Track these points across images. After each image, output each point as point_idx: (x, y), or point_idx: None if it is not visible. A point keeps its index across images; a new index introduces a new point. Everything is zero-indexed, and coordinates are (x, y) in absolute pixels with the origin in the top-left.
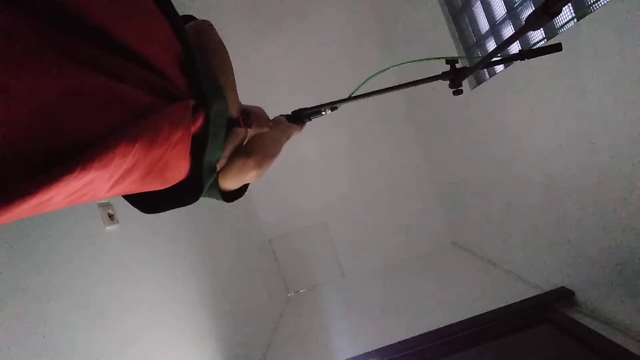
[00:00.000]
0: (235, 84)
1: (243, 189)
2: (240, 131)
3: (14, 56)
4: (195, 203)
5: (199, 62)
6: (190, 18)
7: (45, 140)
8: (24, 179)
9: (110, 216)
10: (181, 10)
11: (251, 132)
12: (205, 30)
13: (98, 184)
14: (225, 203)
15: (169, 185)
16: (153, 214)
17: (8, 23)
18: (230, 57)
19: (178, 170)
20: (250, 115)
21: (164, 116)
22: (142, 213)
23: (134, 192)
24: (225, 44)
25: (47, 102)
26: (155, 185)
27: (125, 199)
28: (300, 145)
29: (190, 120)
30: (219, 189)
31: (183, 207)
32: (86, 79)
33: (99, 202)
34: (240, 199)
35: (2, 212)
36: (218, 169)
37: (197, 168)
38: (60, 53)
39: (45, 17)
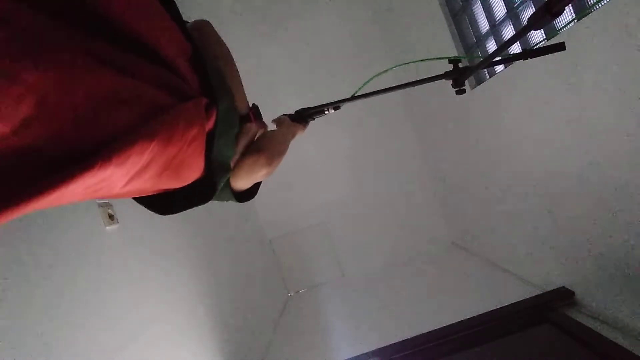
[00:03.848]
0: (240, 80)
1: (255, 189)
2: (252, 126)
3: (43, 57)
4: None
5: (208, 60)
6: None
7: (68, 138)
8: (46, 175)
9: (110, 216)
10: (183, 12)
11: (255, 130)
12: (204, 29)
13: (115, 180)
14: (226, 203)
15: (185, 184)
16: (152, 215)
17: (30, 19)
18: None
19: (193, 169)
20: (259, 110)
21: (179, 114)
22: (143, 213)
23: (149, 191)
24: (227, 45)
25: (74, 104)
26: (170, 183)
27: (139, 202)
28: (300, 145)
29: (204, 118)
30: (231, 189)
31: None
32: (109, 79)
33: (98, 202)
34: None
35: (28, 204)
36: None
37: (209, 165)
38: (85, 52)
39: (65, 13)
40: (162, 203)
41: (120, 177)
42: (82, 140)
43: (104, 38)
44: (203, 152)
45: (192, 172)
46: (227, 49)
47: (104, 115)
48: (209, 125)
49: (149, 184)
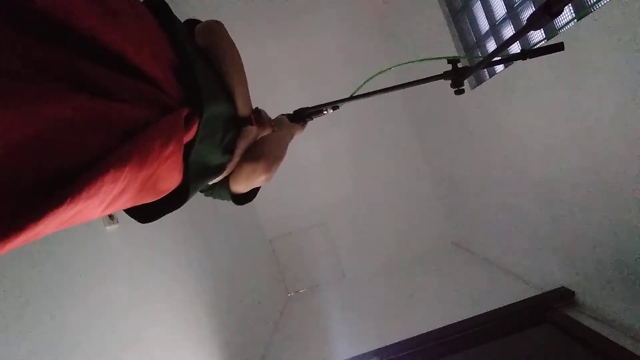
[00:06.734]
0: (246, 83)
1: (254, 192)
2: (252, 129)
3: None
4: (196, 203)
5: (195, 67)
6: (196, 22)
7: (31, 172)
8: (11, 216)
9: (110, 216)
10: (183, 11)
11: (255, 133)
12: (215, 30)
13: (89, 210)
14: (227, 203)
15: (162, 196)
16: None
17: None
18: None
19: (170, 181)
20: (262, 114)
21: (154, 134)
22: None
23: (128, 207)
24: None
25: (32, 133)
26: (149, 198)
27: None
28: (300, 145)
29: (183, 131)
30: (230, 192)
31: (183, 208)
32: (74, 104)
33: None
34: None
35: None
36: (228, 173)
37: (186, 172)
38: (48, 72)
39: (30, 27)
40: (140, 213)
41: (94, 207)
42: (46, 174)
43: (72, 50)
44: (180, 164)
45: (170, 184)
46: (237, 51)
47: (69, 145)
48: (189, 137)
49: (128, 204)
